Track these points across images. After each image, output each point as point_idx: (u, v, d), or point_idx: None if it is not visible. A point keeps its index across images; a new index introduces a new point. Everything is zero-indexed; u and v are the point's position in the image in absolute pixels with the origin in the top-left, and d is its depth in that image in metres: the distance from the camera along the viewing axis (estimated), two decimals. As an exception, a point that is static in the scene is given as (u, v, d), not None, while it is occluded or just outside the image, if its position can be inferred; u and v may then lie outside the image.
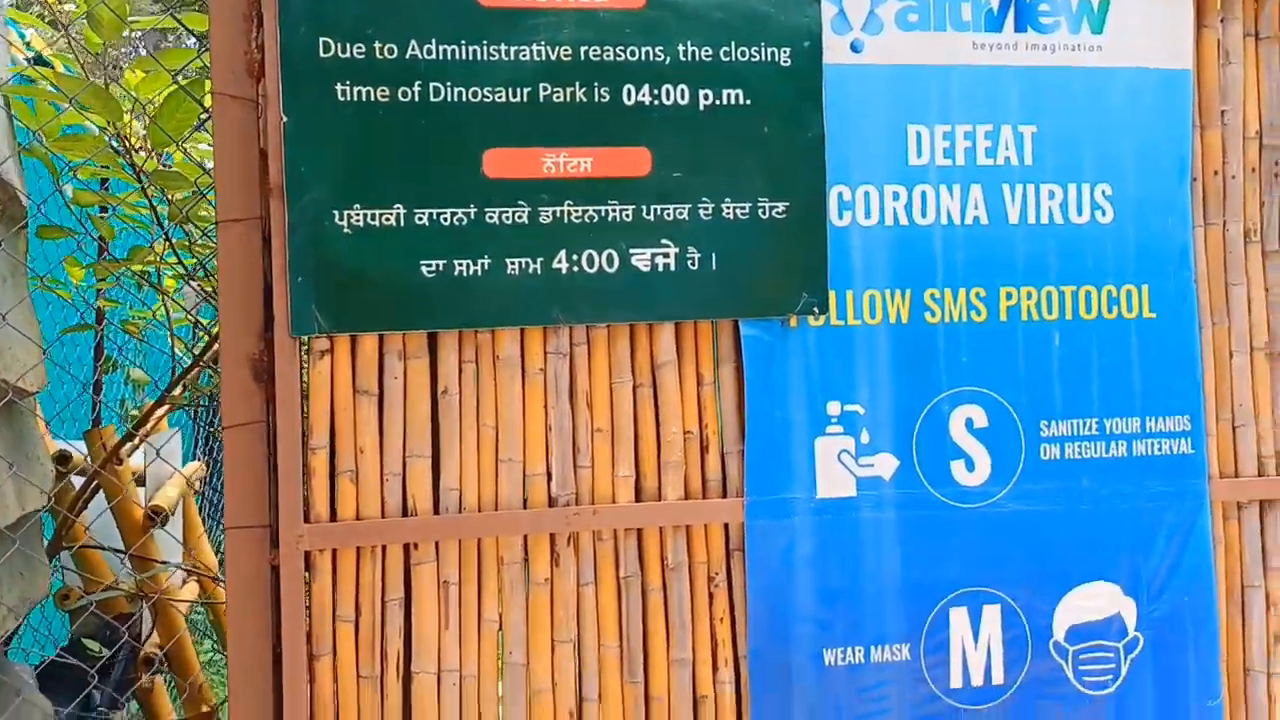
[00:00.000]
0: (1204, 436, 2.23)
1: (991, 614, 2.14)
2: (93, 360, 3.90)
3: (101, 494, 2.79)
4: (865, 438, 2.12)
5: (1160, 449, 2.21)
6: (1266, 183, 2.29)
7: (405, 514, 1.96)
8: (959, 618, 2.13)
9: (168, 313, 2.90)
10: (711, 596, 2.08)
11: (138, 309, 3.51)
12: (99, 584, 2.78)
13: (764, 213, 2.06)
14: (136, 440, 2.93)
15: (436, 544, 1.98)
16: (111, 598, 2.64)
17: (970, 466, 2.15)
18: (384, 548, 1.96)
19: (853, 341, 2.12)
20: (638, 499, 2.06)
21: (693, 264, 2.04)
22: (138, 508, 2.74)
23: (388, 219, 1.92)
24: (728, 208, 2.05)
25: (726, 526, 2.08)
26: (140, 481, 2.86)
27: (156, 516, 2.72)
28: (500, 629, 2.00)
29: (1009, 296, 2.17)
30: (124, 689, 2.81)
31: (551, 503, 2.02)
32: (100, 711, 2.83)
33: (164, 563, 2.67)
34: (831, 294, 2.10)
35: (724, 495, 2.09)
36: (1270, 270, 2.29)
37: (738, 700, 2.08)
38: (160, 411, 3.08)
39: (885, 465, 2.12)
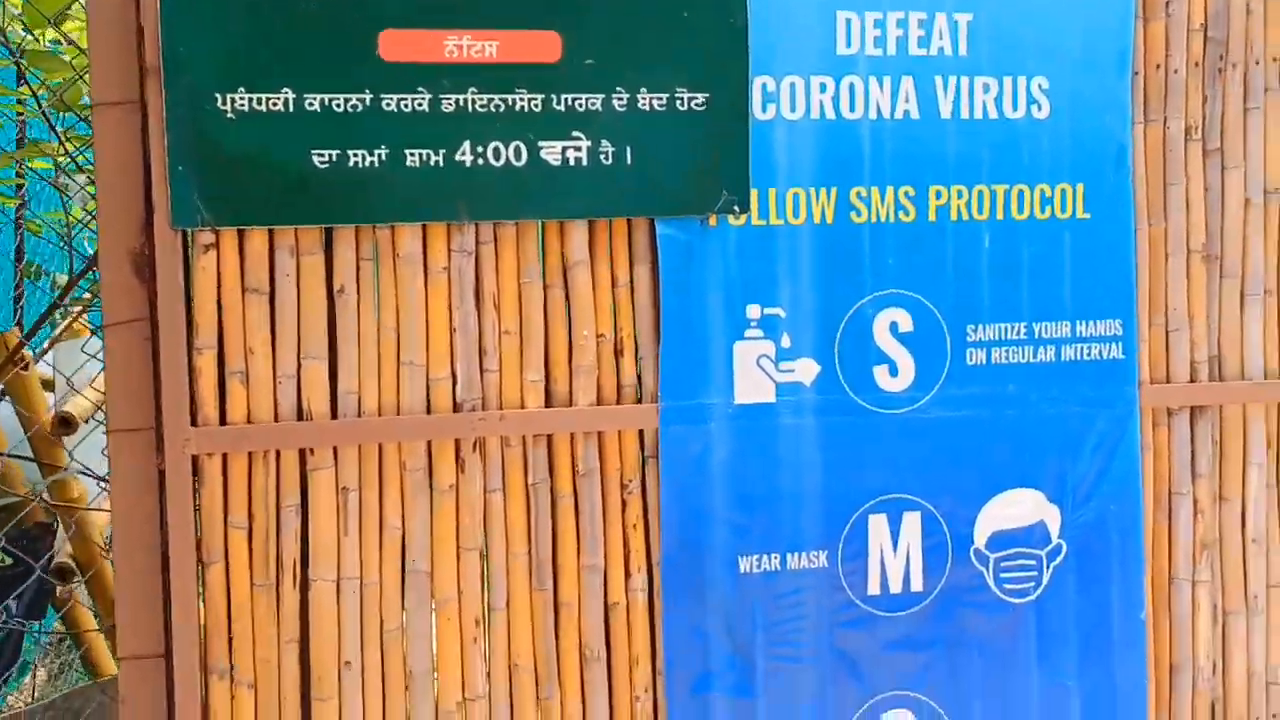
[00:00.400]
0: (1136, 341, 2.17)
1: (911, 521, 2.10)
2: (13, 265, 3.76)
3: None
4: (786, 342, 2.04)
5: (1091, 354, 2.15)
6: (1210, 78, 2.20)
7: (300, 418, 1.87)
8: (878, 525, 2.09)
9: (65, 211, 2.77)
10: (624, 503, 2.02)
11: (53, 209, 3.36)
12: (10, 493, 2.70)
13: (682, 104, 1.95)
14: (47, 345, 2.82)
15: (335, 449, 1.90)
16: (10, 503, 2.55)
17: (894, 371, 2.08)
18: (278, 452, 1.87)
19: (775, 242, 2.03)
20: (548, 404, 1.98)
21: (606, 158, 1.93)
22: (43, 414, 2.64)
23: (275, 104, 1.80)
24: (644, 98, 1.94)
25: (641, 433, 2.01)
26: (49, 387, 2.76)
27: (65, 423, 2.62)
28: (403, 537, 1.94)
29: (939, 195, 2.08)
30: (40, 600, 2.75)
31: (456, 408, 1.94)
32: (17, 621, 2.77)
33: (65, 469, 2.58)
34: (753, 192, 2.00)
35: (638, 401, 2.01)
36: (1210, 169, 2.21)
37: (650, 607, 2.03)
38: (75, 314, 2.97)
39: (806, 370, 2.05)
